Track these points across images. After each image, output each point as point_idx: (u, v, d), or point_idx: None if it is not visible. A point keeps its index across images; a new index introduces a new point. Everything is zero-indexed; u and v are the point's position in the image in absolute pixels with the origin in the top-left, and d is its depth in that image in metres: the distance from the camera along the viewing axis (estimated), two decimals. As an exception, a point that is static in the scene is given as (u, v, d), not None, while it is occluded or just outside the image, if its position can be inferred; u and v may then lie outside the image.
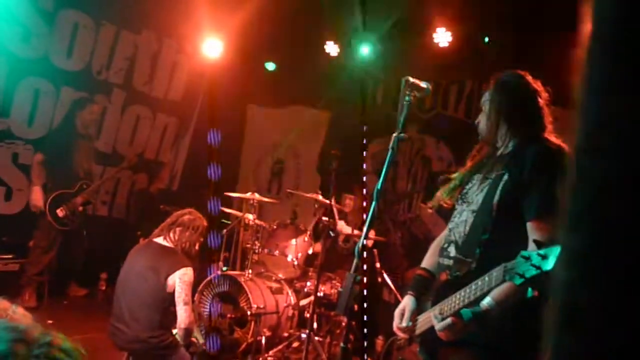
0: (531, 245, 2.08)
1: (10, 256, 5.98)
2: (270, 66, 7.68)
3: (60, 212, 6.02)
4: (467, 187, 2.57)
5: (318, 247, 5.60)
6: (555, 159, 2.26)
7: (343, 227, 5.57)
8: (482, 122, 2.58)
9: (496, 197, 2.34)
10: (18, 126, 6.35)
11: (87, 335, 5.15)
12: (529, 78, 2.50)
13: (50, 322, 5.46)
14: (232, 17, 6.64)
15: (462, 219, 2.48)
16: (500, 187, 2.34)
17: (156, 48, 7.43)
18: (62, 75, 6.57)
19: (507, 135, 2.47)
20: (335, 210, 5.29)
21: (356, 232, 5.49)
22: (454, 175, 2.68)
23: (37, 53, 6.33)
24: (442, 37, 6.22)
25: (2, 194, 6.36)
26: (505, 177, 2.35)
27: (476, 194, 2.47)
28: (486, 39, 6.08)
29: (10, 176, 6.39)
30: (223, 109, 7.47)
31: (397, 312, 2.62)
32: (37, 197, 6.01)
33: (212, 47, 7.22)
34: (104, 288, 6.78)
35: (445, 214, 2.81)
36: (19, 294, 5.78)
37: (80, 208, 6.22)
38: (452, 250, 2.47)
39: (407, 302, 2.59)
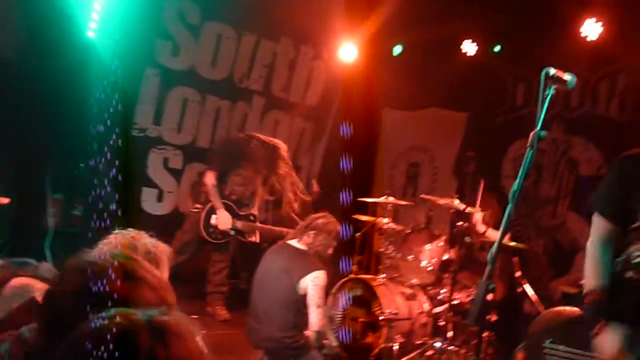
0: None
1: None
2: (397, 49, 7.44)
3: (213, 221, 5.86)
4: None
5: (454, 253, 5.42)
6: None
7: (480, 226, 5.31)
8: None
9: None
10: (168, 133, 6.78)
11: (225, 330, 5.42)
12: None
13: (194, 316, 5.78)
14: (367, 22, 6.67)
15: None
16: None
17: (293, 55, 7.61)
18: (207, 85, 6.93)
19: None
20: (472, 215, 5.09)
21: (491, 231, 5.22)
22: None
23: (184, 64, 6.73)
24: (591, 29, 5.78)
25: (154, 195, 6.80)
26: None
27: None
28: None
29: (162, 179, 6.81)
30: (359, 113, 7.50)
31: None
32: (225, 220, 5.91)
33: (347, 52, 7.29)
34: (243, 286, 7.02)
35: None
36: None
37: (232, 232, 5.96)
38: None
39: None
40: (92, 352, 1.05)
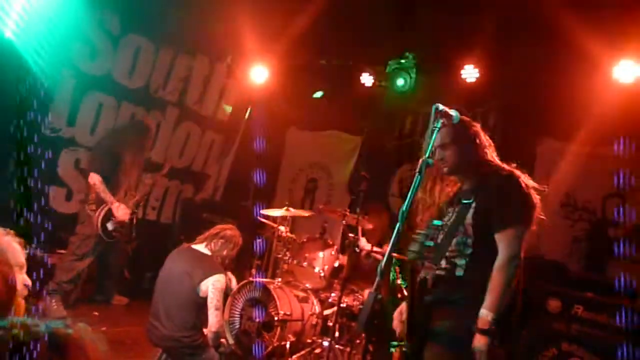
0: None
1: (64, 251, 6.28)
2: (318, 94, 7.97)
3: (110, 226, 6.16)
4: None
5: (344, 261, 5.76)
6: None
7: (365, 244, 5.84)
8: None
9: None
10: (81, 134, 6.80)
11: (126, 328, 5.57)
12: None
13: (96, 313, 5.89)
14: (278, 47, 7.07)
15: None
16: None
17: (208, 71, 7.88)
18: (123, 92, 7.03)
19: None
20: (360, 228, 5.45)
21: (376, 248, 5.62)
22: None
23: (101, 70, 6.81)
24: (470, 73, 6.49)
25: (63, 194, 6.82)
26: None
27: None
28: None
29: (72, 179, 6.82)
30: (265, 129, 7.92)
31: None
32: (123, 211, 6.23)
33: (258, 73, 7.68)
34: (147, 287, 7.21)
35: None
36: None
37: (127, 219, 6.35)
38: None
39: None
40: None
